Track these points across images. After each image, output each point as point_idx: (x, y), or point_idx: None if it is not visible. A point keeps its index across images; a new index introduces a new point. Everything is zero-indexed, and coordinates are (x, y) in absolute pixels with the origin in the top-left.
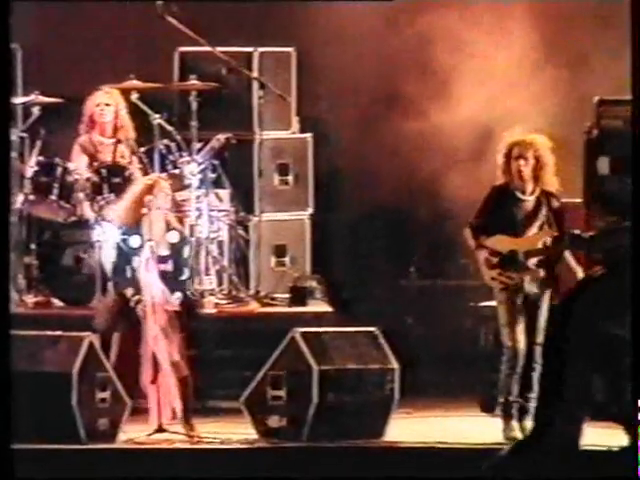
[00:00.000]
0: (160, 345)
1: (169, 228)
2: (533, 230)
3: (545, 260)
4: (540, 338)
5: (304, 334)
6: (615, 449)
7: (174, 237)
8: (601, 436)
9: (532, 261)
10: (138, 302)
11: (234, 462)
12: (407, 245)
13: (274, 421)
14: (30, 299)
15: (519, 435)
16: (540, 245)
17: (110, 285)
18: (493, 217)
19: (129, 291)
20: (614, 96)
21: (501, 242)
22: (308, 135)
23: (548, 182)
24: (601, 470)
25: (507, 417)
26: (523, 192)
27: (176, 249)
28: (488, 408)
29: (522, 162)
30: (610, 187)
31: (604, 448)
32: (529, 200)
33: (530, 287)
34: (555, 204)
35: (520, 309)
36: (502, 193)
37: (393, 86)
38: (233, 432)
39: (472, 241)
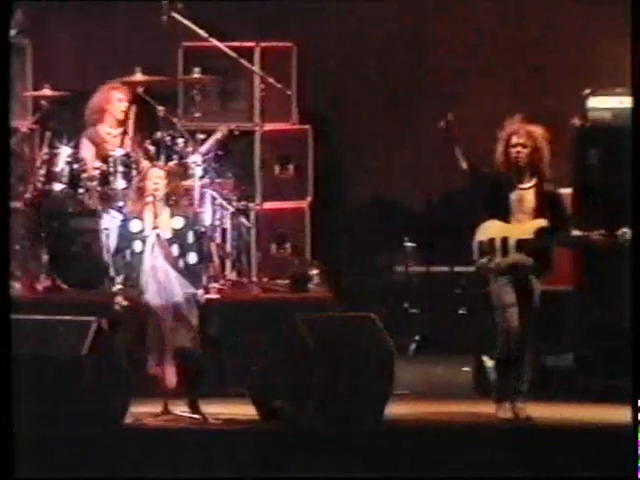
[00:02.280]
0: (167, 329)
1: (174, 214)
2: (527, 219)
3: (536, 248)
4: (532, 322)
5: (305, 319)
6: None
7: (178, 223)
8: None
9: (524, 249)
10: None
11: (237, 443)
12: (403, 232)
13: (276, 404)
14: (40, 285)
15: (511, 415)
16: (532, 234)
17: (118, 272)
18: (489, 202)
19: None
20: (608, 88)
21: (495, 228)
22: (308, 126)
23: (545, 172)
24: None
25: (500, 398)
26: (520, 181)
27: (181, 234)
28: (483, 389)
29: (520, 149)
30: (598, 178)
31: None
32: (526, 189)
33: (521, 273)
34: (550, 194)
35: (512, 293)
36: (500, 179)
37: (392, 80)
38: (236, 414)
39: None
